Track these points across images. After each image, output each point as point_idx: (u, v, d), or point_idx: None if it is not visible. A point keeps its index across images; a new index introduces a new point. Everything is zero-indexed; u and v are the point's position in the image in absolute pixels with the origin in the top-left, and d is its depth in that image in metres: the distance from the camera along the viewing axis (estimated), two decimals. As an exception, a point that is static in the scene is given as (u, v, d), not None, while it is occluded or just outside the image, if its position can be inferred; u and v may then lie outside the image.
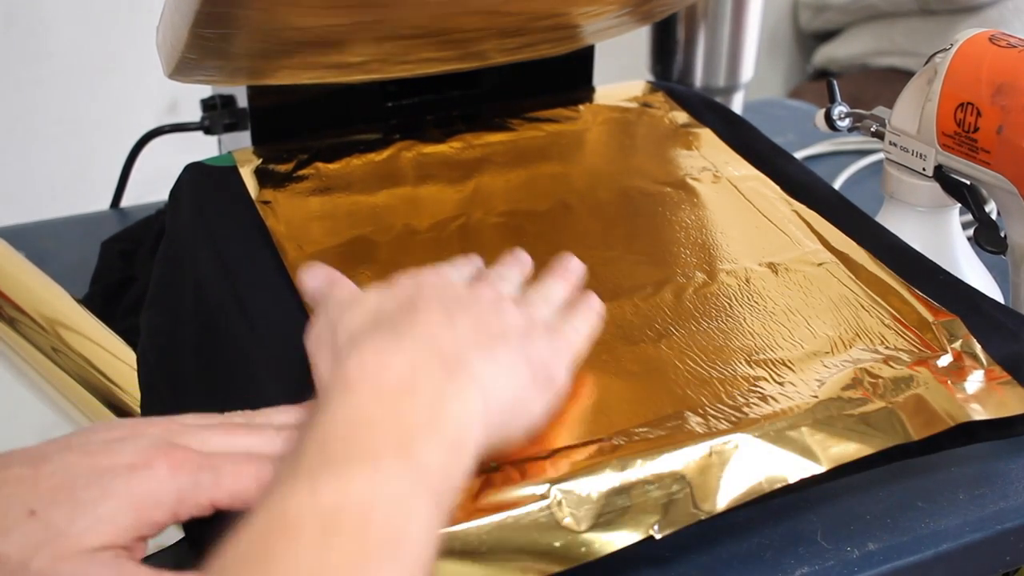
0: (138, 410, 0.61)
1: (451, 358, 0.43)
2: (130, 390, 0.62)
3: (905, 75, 1.92)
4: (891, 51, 2.03)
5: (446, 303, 0.46)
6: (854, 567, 0.53)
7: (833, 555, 0.54)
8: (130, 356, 0.64)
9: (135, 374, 0.62)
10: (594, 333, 0.53)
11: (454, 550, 0.44)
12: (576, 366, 0.51)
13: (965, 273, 0.67)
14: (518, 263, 0.56)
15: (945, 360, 0.55)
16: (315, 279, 0.52)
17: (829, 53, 2.16)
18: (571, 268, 0.56)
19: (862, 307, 0.59)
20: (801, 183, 0.70)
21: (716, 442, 0.50)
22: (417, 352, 0.42)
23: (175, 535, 0.56)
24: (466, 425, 0.41)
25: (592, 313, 0.54)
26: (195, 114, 0.81)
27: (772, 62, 2.24)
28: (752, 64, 0.97)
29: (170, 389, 0.59)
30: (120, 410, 0.62)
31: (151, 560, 0.55)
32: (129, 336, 0.65)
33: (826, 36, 2.21)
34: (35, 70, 1.60)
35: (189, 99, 1.09)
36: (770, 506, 0.49)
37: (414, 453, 0.39)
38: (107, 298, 0.72)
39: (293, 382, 0.53)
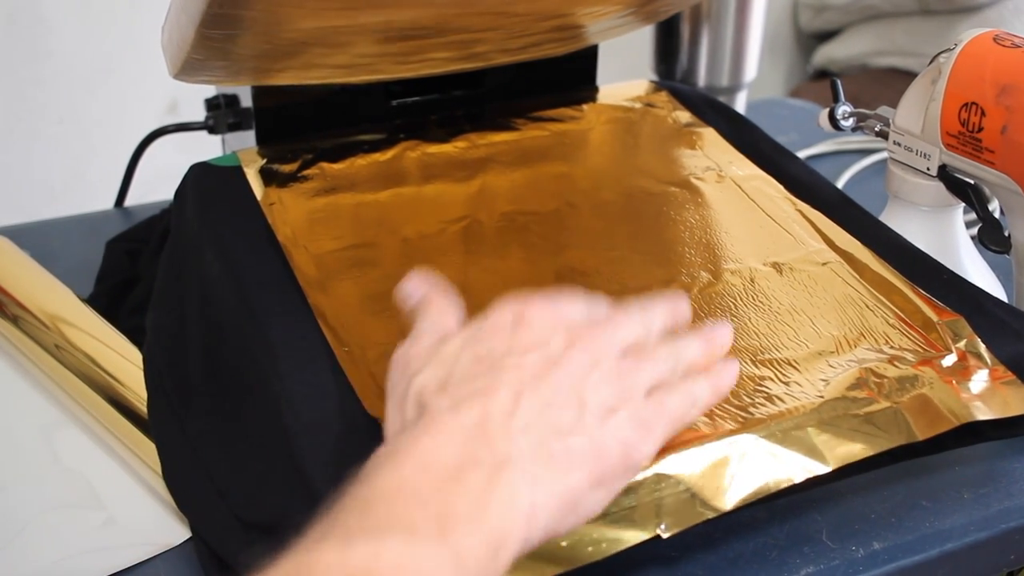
0: (141, 407, 0.61)
1: (504, 455, 0.40)
2: (133, 387, 0.62)
3: (905, 75, 1.91)
4: (891, 51, 2.03)
5: (524, 375, 0.43)
6: (859, 566, 0.53)
7: (838, 554, 0.54)
8: (133, 353, 0.64)
9: (138, 371, 0.62)
10: (714, 403, 0.48)
11: None
12: (673, 435, 0.47)
13: (969, 272, 0.67)
14: (669, 310, 0.49)
15: (950, 360, 0.56)
16: (415, 291, 0.50)
17: (829, 53, 2.16)
18: (718, 334, 0.49)
19: (867, 307, 0.59)
20: (805, 183, 0.70)
21: (722, 442, 0.50)
22: (470, 443, 0.41)
23: (182, 534, 0.57)
24: (508, 524, 0.39)
25: (721, 381, 0.48)
26: (195, 114, 0.81)
27: (772, 62, 2.24)
28: (755, 64, 0.97)
29: (177, 390, 0.59)
30: (123, 407, 0.62)
31: (153, 561, 0.55)
32: (134, 336, 0.65)
33: (826, 36, 2.21)
34: (35, 70, 1.60)
35: (189, 99, 1.09)
36: (775, 506, 0.50)
37: (451, 540, 0.38)
38: (112, 298, 0.72)
39: (301, 383, 0.53)
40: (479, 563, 0.38)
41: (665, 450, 0.49)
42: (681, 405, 0.46)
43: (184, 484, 0.56)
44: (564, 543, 0.46)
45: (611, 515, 0.47)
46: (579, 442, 0.42)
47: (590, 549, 0.46)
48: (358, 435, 0.51)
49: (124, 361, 0.64)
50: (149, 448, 0.59)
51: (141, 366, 0.62)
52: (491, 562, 0.38)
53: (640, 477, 0.48)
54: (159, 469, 0.57)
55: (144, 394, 0.60)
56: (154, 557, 0.56)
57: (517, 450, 0.41)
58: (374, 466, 0.40)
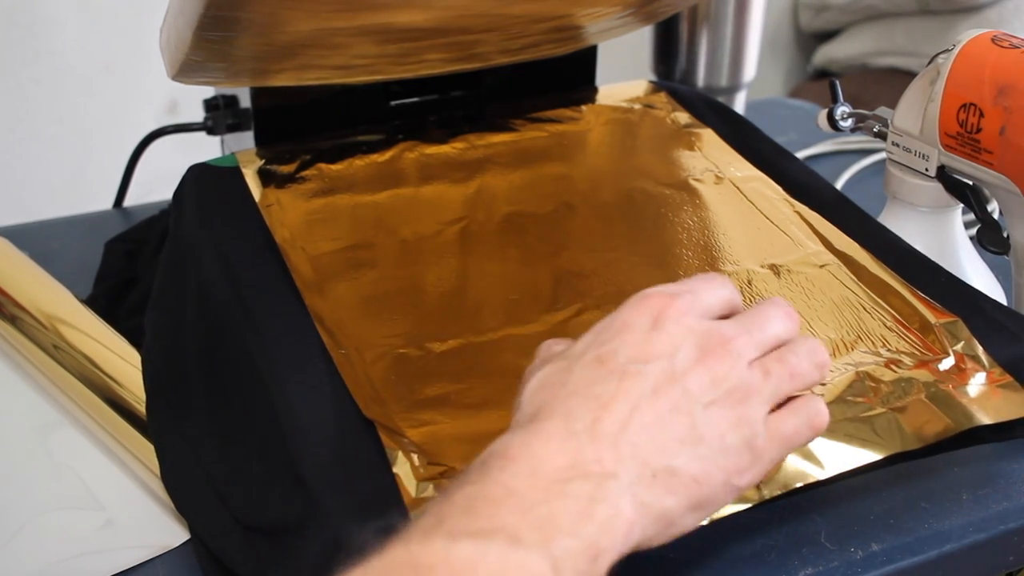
0: (139, 407, 0.61)
1: (611, 471, 0.40)
2: (132, 388, 0.62)
3: (905, 75, 1.91)
4: (891, 51, 2.03)
5: (645, 387, 0.42)
6: (858, 568, 0.53)
7: (837, 556, 0.54)
8: (131, 354, 0.64)
9: (137, 372, 0.62)
10: (825, 425, 0.46)
11: None
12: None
13: (968, 274, 0.67)
14: (793, 322, 0.47)
15: (947, 363, 0.55)
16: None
17: (829, 53, 2.16)
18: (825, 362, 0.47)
19: (864, 309, 0.59)
20: (803, 184, 0.70)
21: None
22: (580, 452, 0.40)
23: (181, 536, 0.57)
24: (607, 539, 0.39)
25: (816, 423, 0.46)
26: (195, 115, 0.81)
27: (772, 62, 2.24)
28: (754, 64, 0.97)
29: (176, 391, 0.59)
30: (122, 408, 0.62)
31: (152, 563, 0.55)
32: (133, 337, 0.65)
33: (826, 36, 2.20)
34: (35, 70, 1.60)
35: (189, 100, 1.09)
36: (774, 507, 0.50)
37: (552, 548, 0.38)
38: (111, 298, 0.72)
39: (298, 385, 0.53)
40: (576, 573, 0.38)
41: None
42: (796, 430, 0.45)
43: (183, 485, 0.56)
44: None
45: None
46: (684, 467, 0.42)
47: None
48: (354, 437, 0.51)
49: (123, 362, 0.64)
50: (148, 449, 0.59)
51: (140, 367, 0.62)
52: (587, 573, 0.39)
53: None
54: (158, 470, 0.57)
55: (143, 395, 0.60)
56: (153, 559, 0.56)
57: (623, 468, 0.40)
58: (485, 465, 0.40)
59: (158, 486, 0.58)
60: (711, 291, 0.46)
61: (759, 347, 0.45)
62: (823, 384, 0.53)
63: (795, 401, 0.45)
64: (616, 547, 0.40)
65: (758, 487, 0.48)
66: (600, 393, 0.42)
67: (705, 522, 0.44)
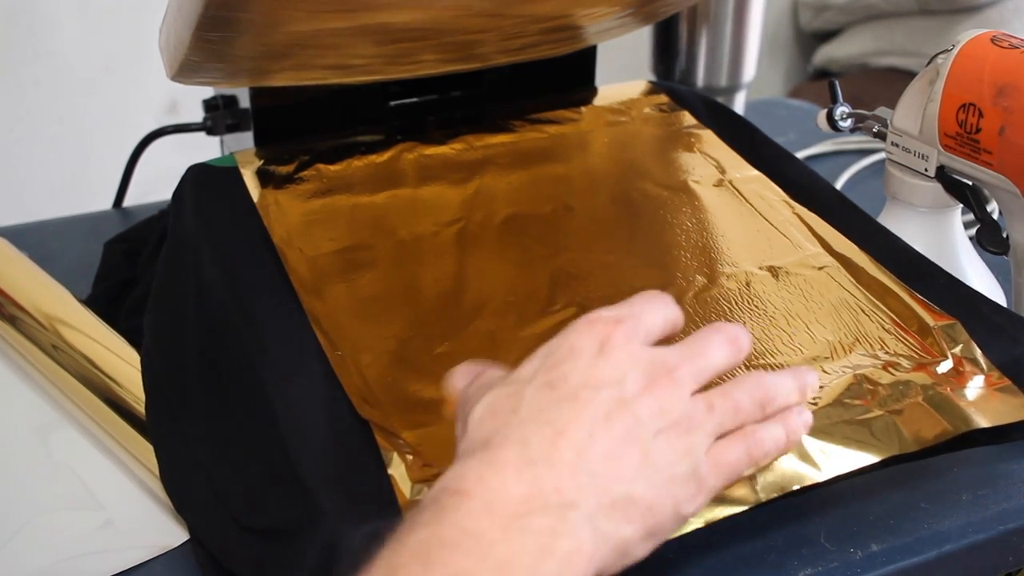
0: (139, 408, 0.61)
1: (571, 501, 0.40)
2: (130, 388, 0.62)
3: (905, 75, 1.91)
4: (891, 51, 2.03)
5: (598, 413, 0.42)
6: (857, 568, 0.53)
7: (836, 556, 0.54)
8: (130, 354, 0.64)
9: (135, 372, 0.62)
10: (780, 454, 0.47)
11: None
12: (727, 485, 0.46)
13: (967, 274, 0.67)
14: (736, 347, 0.47)
15: (945, 366, 0.55)
16: (461, 380, 0.48)
17: (829, 53, 2.16)
18: (808, 378, 0.48)
19: (862, 311, 0.59)
20: (803, 184, 0.70)
21: None
22: (537, 481, 0.40)
23: (180, 536, 0.57)
24: (569, 571, 0.39)
25: (794, 431, 0.47)
26: (195, 115, 0.81)
27: (772, 62, 2.24)
28: (754, 64, 0.97)
29: (175, 391, 0.59)
30: (121, 408, 0.62)
31: (151, 563, 0.55)
32: (133, 337, 0.65)
33: (826, 36, 2.20)
34: (35, 70, 1.60)
35: (189, 100, 1.08)
36: (773, 508, 0.49)
37: None
38: (110, 299, 0.72)
39: (295, 387, 0.53)
40: None
41: None
42: (739, 460, 0.45)
43: (182, 486, 0.56)
44: None
45: None
46: (638, 494, 0.41)
47: None
48: (351, 438, 0.51)
49: (122, 362, 0.64)
50: (147, 450, 0.59)
51: (139, 367, 0.62)
52: None
53: None
54: (157, 471, 0.57)
55: (142, 395, 0.60)
56: (152, 559, 0.55)
57: (583, 496, 0.40)
58: (438, 503, 0.40)
59: (157, 486, 0.58)
60: (654, 313, 0.46)
61: (698, 376, 0.45)
62: (820, 387, 0.53)
63: (737, 432, 0.45)
64: None
65: (754, 489, 0.48)
66: (554, 419, 0.41)
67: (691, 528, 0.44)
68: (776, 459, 0.48)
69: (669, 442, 0.43)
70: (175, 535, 0.57)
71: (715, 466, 0.44)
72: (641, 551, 0.42)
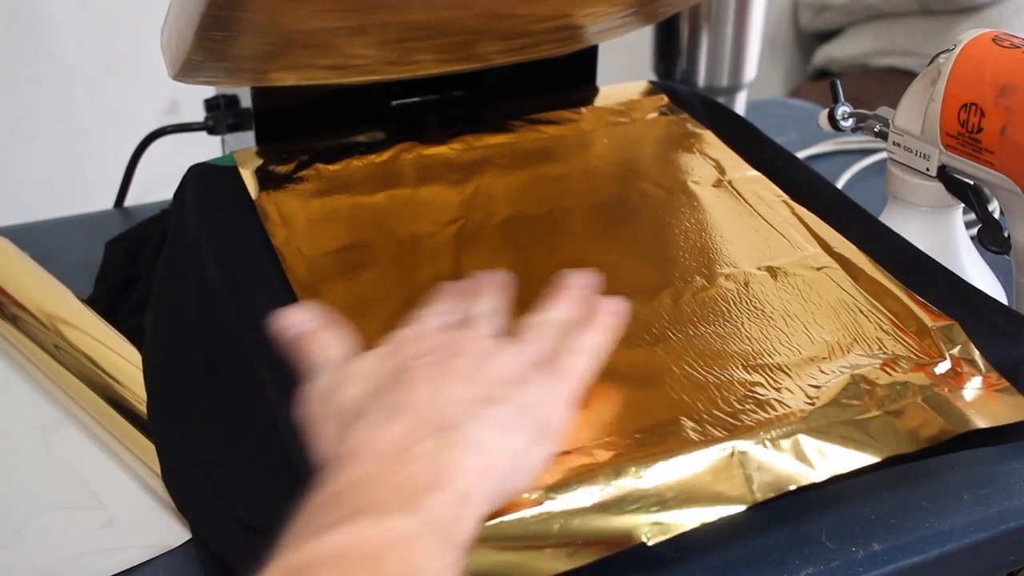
0: (140, 408, 0.61)
1: (447, 428, 0.43)
2: (132, 387, 0.62)
3: (905, 75, 1.90)
4: (891, 51, 2.03)
5: (434, 369, 0.46)
6: (859, 567, 0.53)
7: (838, 556, 0.54)
8: (132, 353, 0.64)
9: (137, 371, 0.62)
10: (606, 343, 0.51)
11: None
12: (586, 386, 0.49)
13: (968, 273, 0.67)
14: (496, 290, 0.53)
15: (943, 367, 0.55)
16: (294, 327, 0.51)
17: (829, 53, 2.16)
18: (572, 283, 0.53)
19: (861, 312, 0.59)
20: (804, 185, 0.70)
21: (711, 450, 0.49)
22: (413, 424, 0.43)
23: (182, 535, 0.57)
24: (468, 483, 0.41)
25: (601, 325, 0.51)
26: (195, 115, 0.81)
27: (772, 62, 2.24)
28: (755, 64, 0.97)
29: (176, 390, 0.59)
30: (123, 407, 0.62)
31: (153, 562, 0.55)
32: (134, 336, 0.65)
33: (826, 36, 2.21)
34: (35, 70, 1.60)
35: (189, 100, 1.09)
36: (775, 507, 0.49)
37: (421, 507, 0.39)
38: (112, 298, 0.72)
39: (295, 385, 0.53)
40: (450, 523, 0.40)
41: (653, 457, 0.49)
42: (575, 360, 0.49)
43: (184, 485, 0.56)
44: (548, 549, 0.46)
45: (596, 522, 0.47)
46: (504, 410, 0.45)
47: (573, 556, 0.46)
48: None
49: (123, 361, 0.64)
50: (149, 449, 0.59)
51: (140, 367, 0.62)
52: (461, 520, 0.40)
53: (627, 485, 0.48)
54: (158, 470, 0.57)
55: (143, 395, 0.60)
56: (154, 558, 0.56)
57: (454, 420, 0.43)
58: (328, 470, 0.42)
59: (159, 485, 0.58)
60: (434, 313, 0.52)
61: (495, 326, 0.51)
62: (817, 387, 0.53)
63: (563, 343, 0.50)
64: (481, 490, 0.42)
65: (751, 489, 0.48)
66: (402, 384, 0.45)
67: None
68: (612, 327, 0.51)
69: (507, 363, 0.47)
70: (177, 534, 0.57)
71: (559, 373, 0.48)
72: (538, 457, 0.46)
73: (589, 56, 0.80)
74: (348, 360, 0.48)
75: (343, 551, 0.37)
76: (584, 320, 0.51)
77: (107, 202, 0.93)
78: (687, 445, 0.49)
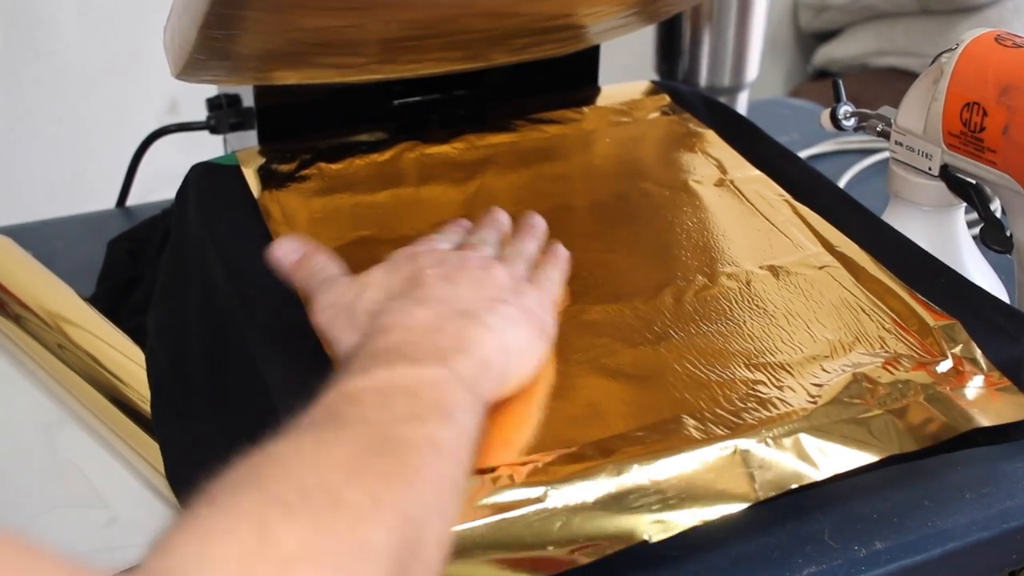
0: (143, 406, 0.61)
1: (467, 313, 0.49)
2: (135, 386, 0.62)
3: (905, 75, 1.91)
4: (891, 51, 2.03)
5: (443, 274, 0.52)
6: (861, 566, 0.53)
7: (840, 554, 0.54)
8: (135, 352, 0.64)
9: (140, 370, 0.62)
10: (563, 280, 0.58)
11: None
12: (557, 316, 0.55)
13: (970, 272, 0.67)
14: (495, 224, 0.61)
15: (945, 366, 0.55)
16: (290, 254, 0.55)
17: (829, 53, 2.16)
18: (537, 224, 0.61)
19: (862, 311, 0.59)
20: (805, 184, 0.70)
21: (713, 448, 0.49)
22: (439, 311, 0.49)
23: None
24: (488, 354, 0.48)
25: (561, 262, 0.59)
26: (195, 114, 0.81)
27: (772, 62, 2.24)
28: (756, 64, 0.97)
29: (180, 388, 0.59)
30: (126, 406, 0.62)
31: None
32: (136, 335, 0.65)
33: (826, 36, 2.21)
34: (35, 70, 1.60)
35: (189, 99, 1.09)
36: (777, 506, 0.50)
37: (449, 364, 0.45)
38: (114, 297, 0.72)
39: (302, 384, 0.53)
40: (473, 380, 0.46)
41: (655, 455, 0.49)
42: (550, 283, 0.56)
43: (187, 483, 0.56)
44: (551, 547, 0.46)
45: (599, 520, 0.47)
46: (511, 309, 0.51)
47: (575, 554, 0.46)
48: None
49: (127, 360, 0.64)
50: (152, 447, 0.59)
51: (143, 365, 0.62)
52: (482, 380, 0.47)
53: (629, 483, 0.48)
54: (162, 468, 0.57)
55: (147, 393, 0.61)
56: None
57: (473, 309, 0.50)
58: (367, 338, 0.47)
59: (162, 484, 0.58)
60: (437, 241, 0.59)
61: (488, 249, 0.58)
62: (819, 386, 0.53)
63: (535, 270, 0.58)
64: (498, 361, 0.48)
65: (753, 488, 0.49)
66: (418, 286, 0.51)
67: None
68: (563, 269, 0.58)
69: (502, 276, 0.53)
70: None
71: (542, 285, 0.55)
72: (540, 350, 0.52)
73: (591, 56, 0.80)
74: (357, 275, 0.53)
75: (383, 386, 0.43)
76: (545, 257, 0.59)
77: (108, 202, 0.93)
78: (689, 443, 0.49)
